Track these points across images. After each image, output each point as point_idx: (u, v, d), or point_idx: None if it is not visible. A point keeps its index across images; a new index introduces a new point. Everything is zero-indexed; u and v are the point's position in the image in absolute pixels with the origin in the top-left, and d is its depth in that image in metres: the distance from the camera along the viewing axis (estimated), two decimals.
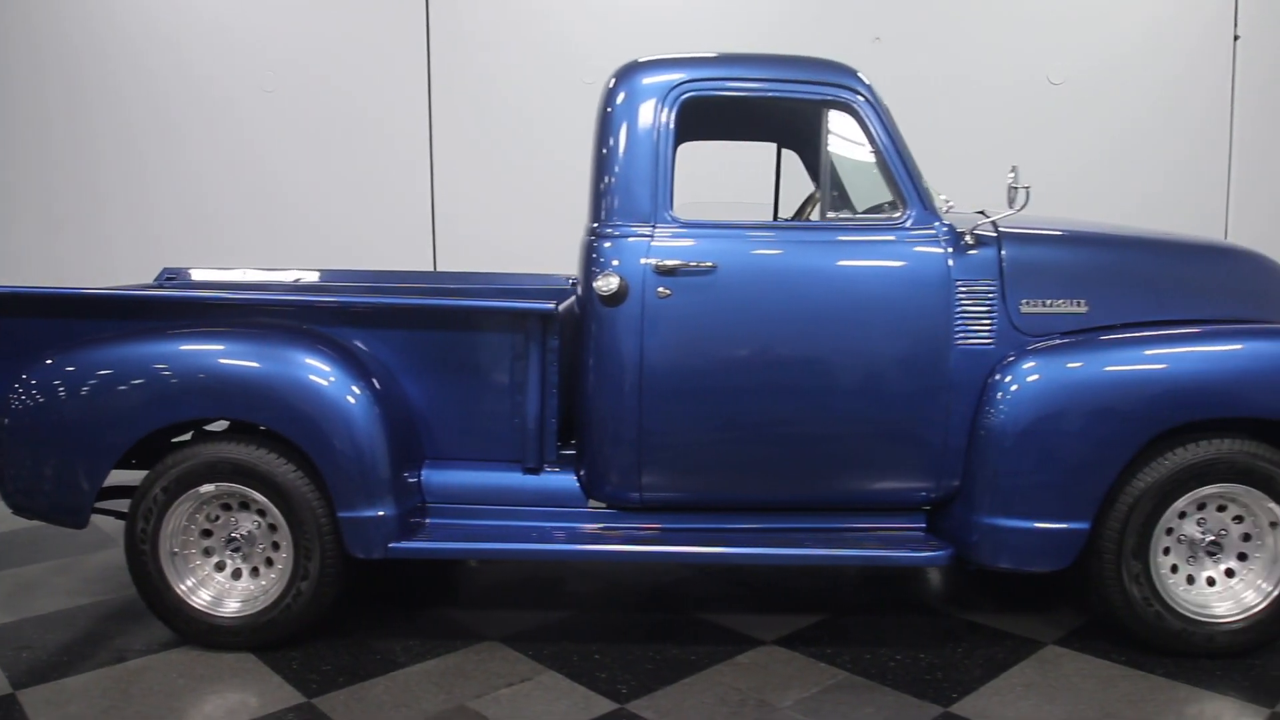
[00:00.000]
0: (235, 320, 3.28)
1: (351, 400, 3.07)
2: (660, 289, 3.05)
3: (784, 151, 4.24)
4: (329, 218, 7.19)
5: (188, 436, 3.26)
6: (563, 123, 6.73)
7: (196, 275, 4.45)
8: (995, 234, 3.16)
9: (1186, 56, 7.03)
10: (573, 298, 3.45)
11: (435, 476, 3.28)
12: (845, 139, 3.23)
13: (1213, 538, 3.08)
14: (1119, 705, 2.80)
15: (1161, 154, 7.12)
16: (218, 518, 3.20)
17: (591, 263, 3.13)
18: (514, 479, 3.27)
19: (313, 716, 2.77)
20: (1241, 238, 7.02)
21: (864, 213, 3.29)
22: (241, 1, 7.03)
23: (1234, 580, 3.10)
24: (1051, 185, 7.01)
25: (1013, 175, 3.06)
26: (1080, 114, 7.09)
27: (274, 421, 3.06)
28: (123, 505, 3.25)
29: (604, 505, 3.23)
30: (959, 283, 3.08)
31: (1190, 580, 3.12)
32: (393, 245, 7.22)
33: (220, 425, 3.26)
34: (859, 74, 3.18)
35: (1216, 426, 3.05)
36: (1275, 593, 3.04)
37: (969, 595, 3.70)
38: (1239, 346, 3.03)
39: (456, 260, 7.20)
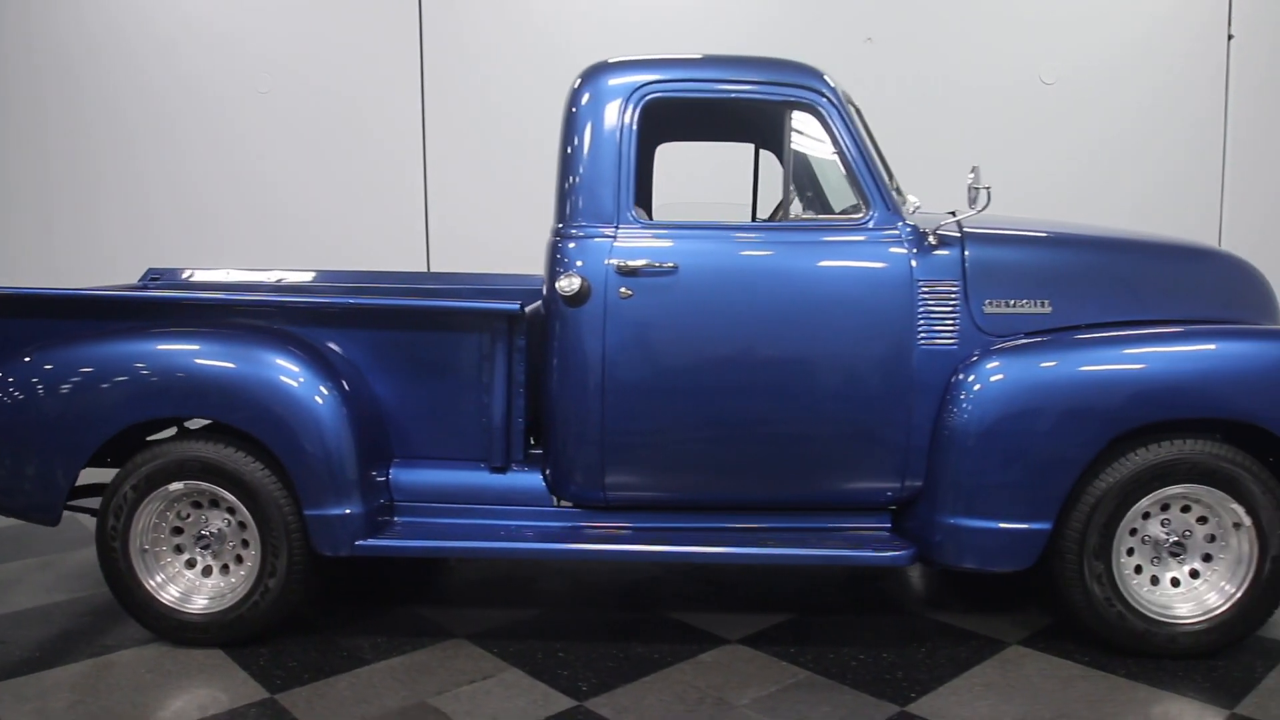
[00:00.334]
0: (206, 321, 3.31)
1: (318, 400, 3.10)
2: (622, 289, 3.07)
3: (762, 152, 4.25)
4: (323, 218, 7.24)
5: (168, 435, 3.30)
6: (555, 124, 6.74)
7: (187, 275, 4.50)
8: (959, 234, 3.16)
9: (1180, 56, 7.00)
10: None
11: (404, 475, 3.31)
12: (814, 140, 3.25)
13: (1176, 539, 3.08)
14: (1076, 705, 2.81)
15: (1155, 154, 7.09)
16: (188, 515, 3.24)
17: (555, 263, 3.15)
18: (481, 478, 3.29)
19: (274, 712, 2.80)
20: (1236, 238, 7.00)
21: (841, 213, 3.30)
22: (236, 3, 7.09)
23: (1198, 581, 3.10)
24: (1044, 186, 7.02)
25: (973, 176, 3.06)
26: (1073, 114, 7.07)
27: (239, 420, 3.10)
28: (96, 503, 3.28)
29: (570, 504, 3.25)
30: (921, 283, 3.09)
31: (1154, 581, 3.12)
32: (386, 246, 7.25)
33: (200, 424, 3.30)
34: (824, 75, 3.19)
35: (1183, 427, 3.05)
36: (1238, 595, 3.04)
37: (939, 595, 3.70)
38: (1201, 347, 3.02)
39: (450, 260, 7.24)
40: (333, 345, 3.31)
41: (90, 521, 3.88)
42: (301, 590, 3.20)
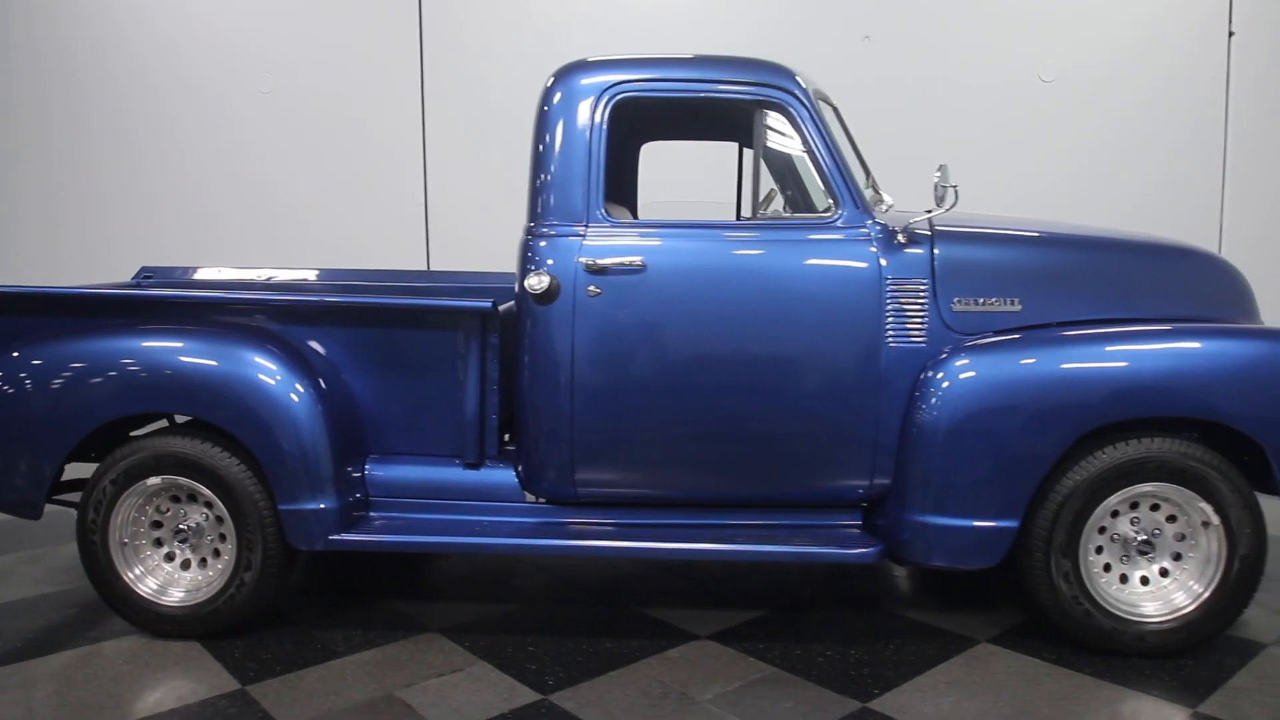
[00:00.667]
0: (186, 319, 3.36)
1: (293, 397, 3.14)
2: (591, 287, 3.09)
3: (746, 151, 4.26)
4: (324, 217, 7.30)
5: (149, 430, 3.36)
6: None
7: (189, 273, 4.55)
8: (929, 233, 3.17)
9: (1180, 53, 6.96)
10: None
11: (379, 471, 3.35)
12: (787, 139, 3.26)
13: (1145, 537, 3.08)
14: (1039, 703, 2.81)
15: (1156, 152, 7.05)
16: (167, 510, 3.29)
17: (526, 261, 3.18)
18: (455, 474, 3.33)
19: (244, 703, 2.85)
20: (1237, 236, 6.96)
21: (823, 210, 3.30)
22: (237, 4, 7.16)
23: (1167, 580, 3.09)
24: (1043, 184, 6.99)
25: (939, 174, 3.07)
26: (1072, 112, 7.04)
27: (214, 416, 3.14)
28: (80, 498, 3.34)
29: (542, 500, 3.28)
30: (890, 281, 3.10)
31: (1124, 579, 3.11)
32: (387, 244, 7.32)
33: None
34: (795, 75, 3.20)
35: (1155, 426, 3.05)
36: (1206, 595, 3.03)
37: (915, 593, 3.71)
38: (1169, 346, 3.02)
39: (450, 259, 7.29)
40: (313, 343, 3.35)
41: None
42: (276, 584, 3.24)
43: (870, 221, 3.14)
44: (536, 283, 3.09)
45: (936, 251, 3.13)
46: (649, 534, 3.20)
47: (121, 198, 7.25)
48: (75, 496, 3.37)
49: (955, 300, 3.12)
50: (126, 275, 4.83)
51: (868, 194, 3.39)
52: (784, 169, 3.43)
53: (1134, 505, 3.08)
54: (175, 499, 3.28)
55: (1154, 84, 6.98)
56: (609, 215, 3.17)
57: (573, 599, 3.64)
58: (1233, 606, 3.04)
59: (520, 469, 3.29)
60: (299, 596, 3.66)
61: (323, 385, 3.24)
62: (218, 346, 3.20)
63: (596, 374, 3.12)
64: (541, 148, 3.21)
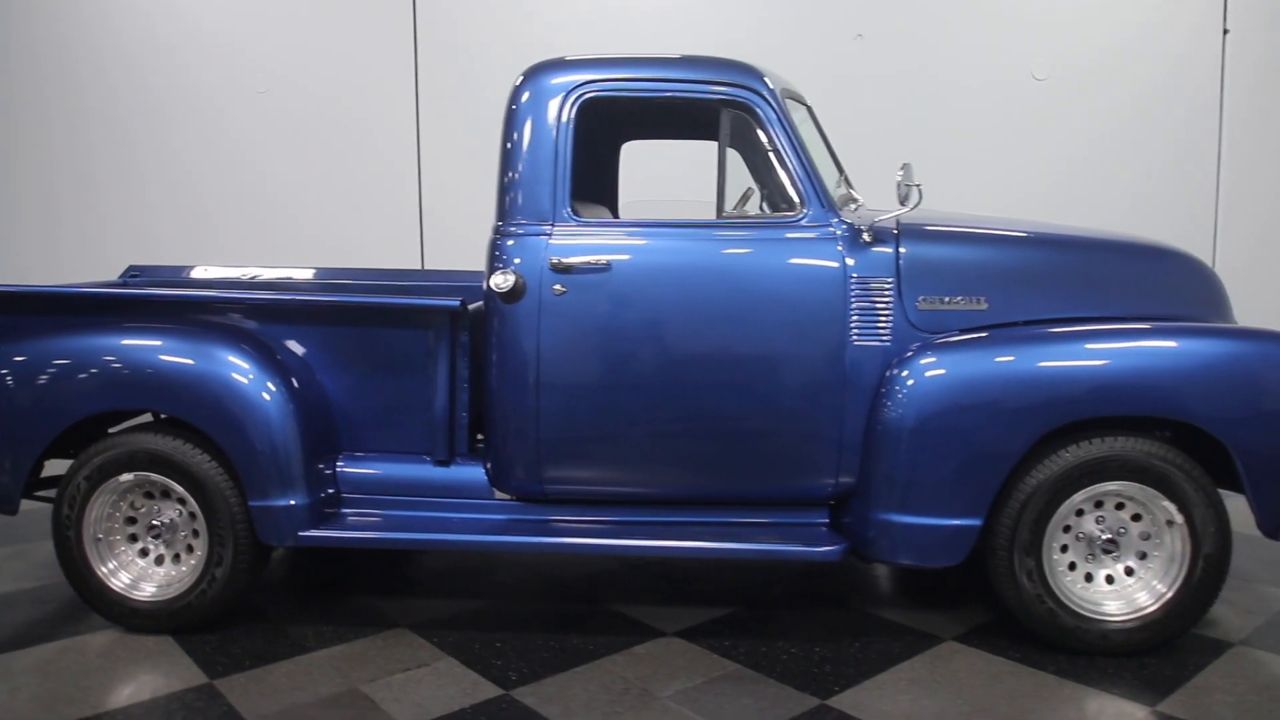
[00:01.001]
0: (162, 318, 3.40)
1: (263, 394, 3.17)
2: (556, 286, 3.11)
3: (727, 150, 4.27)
4: (320, 217, 7.36)
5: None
6: None
7: (187, 271, 4.58)
8: (895, 231, 3.17)
9: (1175, 50, 6.93)
10: None
11: (351, 468, 3.38)
12: (754, 138, 3.27)
13: (1109, 536, 3.07)
14: (997, 701, 2.82)
15: (1150, 149, 7.03)
16: (141, 506, 3.32)
17: (494, 260, 3.20)
18: (426, 471, 3.35)
19: (210, 697, 2.88)
20: (1232, 233, 6.93)
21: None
22: (233, 6, 7.22)
23: (1131, 579, 3.09)
24: (1037, 182, 6.98)
25: (902, 173, 3.07)
26: (1066, 110, 7.02)
27: (186, 414, 3.18)
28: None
29: (510, 497, 3.30)
30: (855, 280, 3.11)
31: (1089, 578, 3.11)
32: (382, 243, 7.36)
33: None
34: (762, 75, 3.21)
35: (1122, 424, 3.05)
36: (1169, 595, 3.03)
37: (887, 591, 3.71)
38: (1133, 345, 3.02)
39: (445, 258, 7.32)
40: (289, 342, 3.39)
41: None
42: (248, 580, 3.28)
43: (836, 220, 3.15)
44: (502, 281, 3.12)
45: (902, 250, 3.14)
46: (615, 531, 3.22)
47: (119, 198, 7.32)
48: (49, 492, 3.42)
49: (920, 299, 3.13)
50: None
51: (839, 193, 3.41)
52: (762, 168, 3.44)
53: (1099, 504, 3.08)
54: (149, 495, 3.32)
55: (1149, 82, 6.95)
56: (576, 214, 3.19)
57: (545, 595, 3.66)
58: (1197, 606, 3.03)
59: (489, 466, 3.31)
60: (274, 592, 3.69)
61: (295, 383, 3.27)
62: (190, 345, 3.24)
63: (562, 372, 3.14)
64: (509, 146, 3.23)
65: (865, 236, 3.13)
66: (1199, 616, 3.07)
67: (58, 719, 2.76)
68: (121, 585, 3.28)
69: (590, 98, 3.19)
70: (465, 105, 7.20)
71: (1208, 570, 3.01)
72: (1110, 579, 3.11)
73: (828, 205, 3.16)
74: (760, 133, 3.16)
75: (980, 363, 3.02)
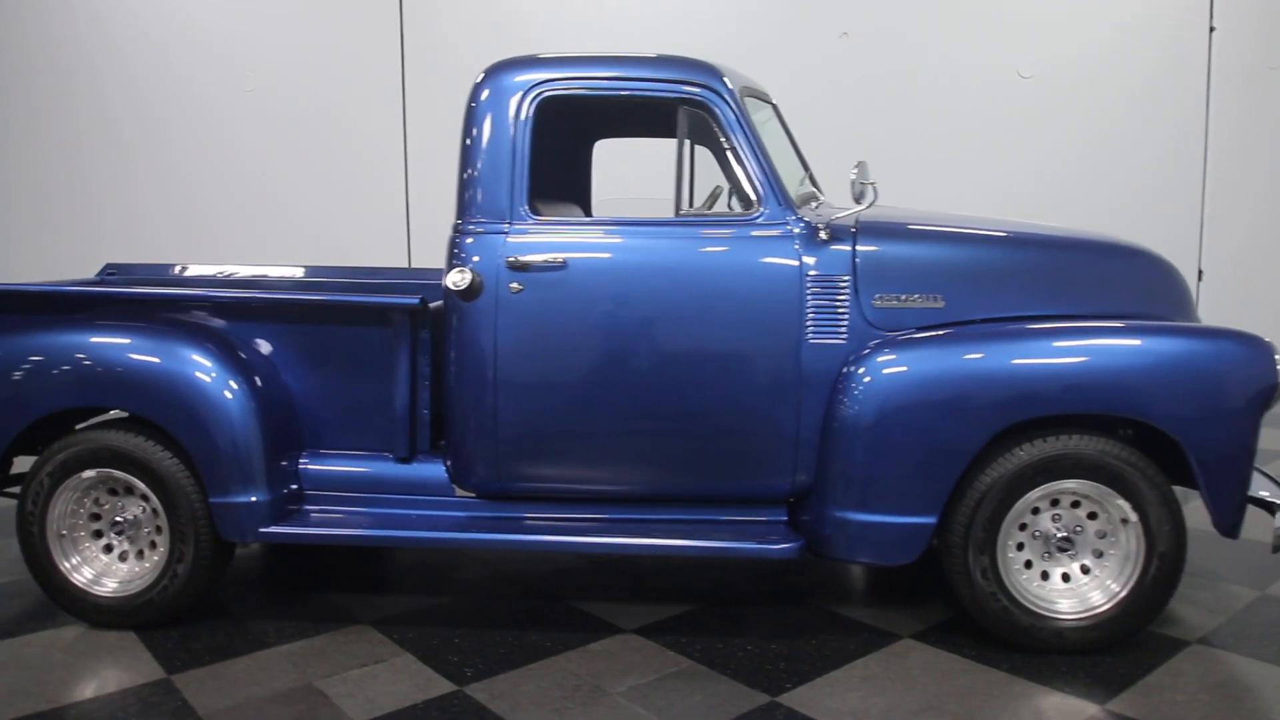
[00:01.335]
0: (129, 315, 3.43)
1: (225, 392, 3.19)
2: (513, 284, 3.13)
3: (697, 148, 4.27)
4: (308, 214, 7.39)
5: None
6: None
7: (179, 269, 4.59)
8: (853, 230, 3.18)
9: (1161, 48, 6.93)
10: None
11: (314, 465, 3.39)
12: (712, 136, 3.28)
13: (1065, 534, 3.08)
14: (946, 699, 2.82)
15: (1137, 146, 7.02)
16: (105, 502, 3.35)
17: (452, 258, 3.22)
18: (387, 468, 3.37)
19: (166, 692, 2.90)
20: (1219, 230, 6.91)
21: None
22: (222, 3, 7.24)
23: (1087, 578, 3.09)
24: (1023, 178, 6.97)
25: (857, 171, 3.08)
26: (1052, 107, 7.02)
27: (145, 410, 3.21)
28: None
29: (470, 494, 3.32)
30: (810, 278, 3.11)
31: (1045, 576, 3.12)
32: (370, 241, 7.39)
33: None
34: (720, 74, 3.21)
35: (1083, 423, 3.04)
36: (1123, 594, 3.03)
37: (849, 588, 3.72)
38: (1085, 343, 3.02)
39: (432, 256, 7.32)
40: (254, 340, 3.41)
41: None
42: (210, 576, 3.30)
43: (793, 218, 3.15)
44: (459, 279, 3.13)
45: (858, 248, 3.14)
46: (574, 528, 3.23)
47: (111, 195, 7.36)
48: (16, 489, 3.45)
49: (877, 297, 3.13)
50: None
51: (800, 192, 3.41)
52: (725, 166, 3.44)
53: (1055, 502, 3.09)
54: (113, 492, 3.34)
55: (1135, 79, 6.95)
56: (534, 212, 3.20)
57: (509, 592, 3.68)
58: (1151, 604, 3.03)
59: (449, 464, 3.33)
60: (240, 588, 3.71)
61: (257, 381, 3.29)
62: (152, 343, 3.26)
63: (519, 370, 3.15)
64: (469, 143, 3.24)
65: (822, 235, 3.14)
66: (1154, 615, 3.07)
67: (14, 713, 2.79)
68: (84, 581, 3.31)
69: (548, 96, 3.20)
70: (451, 103, 7.13)
71: (1163, 569, 3.01)
72: (1066, 577, 3.11)
73: (785, 203, 3.16)
74: (717, 131, 3.17)
75: (934, 361, 3.03)
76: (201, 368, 3.22)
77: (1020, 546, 3.10)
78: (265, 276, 4.61)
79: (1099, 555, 3.10)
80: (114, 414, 3.52)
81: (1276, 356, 3.01)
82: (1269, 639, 3.20)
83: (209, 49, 7.26)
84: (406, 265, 7.25)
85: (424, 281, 4.34)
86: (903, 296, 3.14)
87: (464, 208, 3.23)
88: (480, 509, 3.31)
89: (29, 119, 7.37)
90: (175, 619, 3.33)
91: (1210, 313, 6.92)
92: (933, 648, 3.15)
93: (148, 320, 3.38)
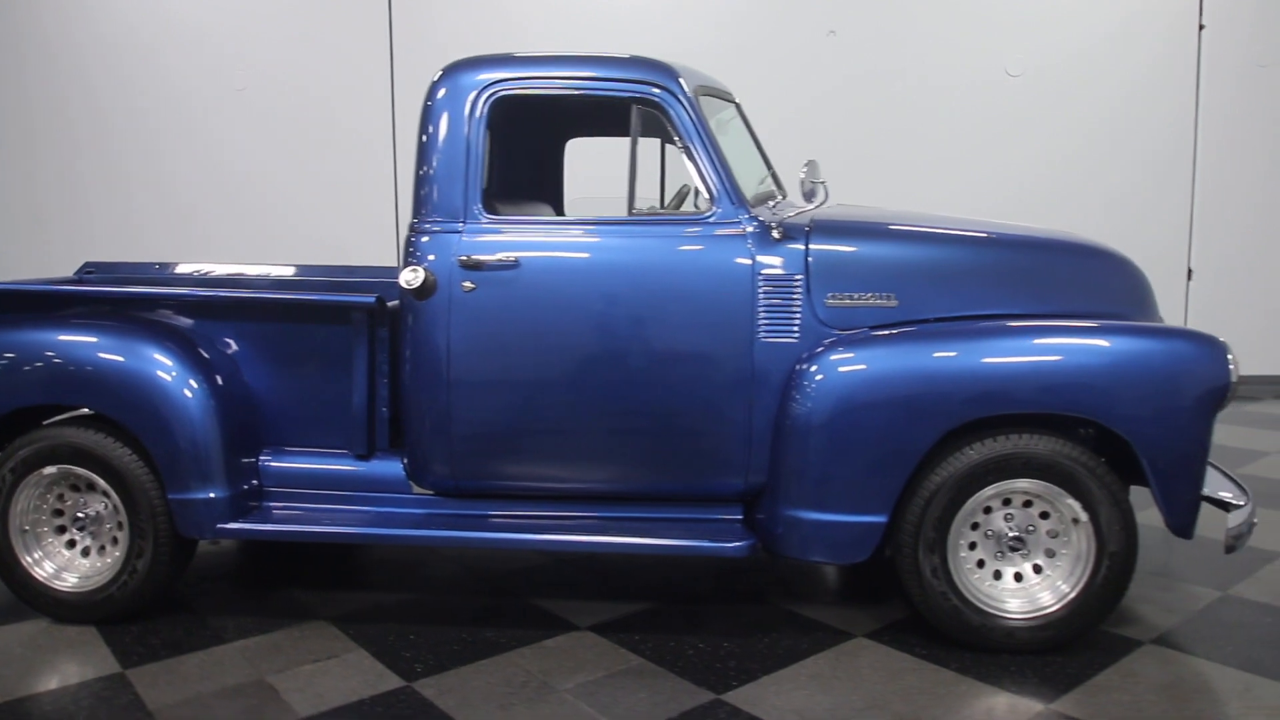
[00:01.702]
0: (94, 314, 3.46)
1: (183, 389, 3.22)
2: (465, 283, 3.14)
3: (668, 147, 4.28)
4: (299, 212, 7.42)
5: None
6: None
7: (182, 266, 4.60)
8: (806, 228, 3.18)
9: (1151, 46, 6.89)
10: None
11: (274, 463, 3.42)
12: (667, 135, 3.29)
13: (1016, 533, 3.07)
14: (891, 698, 2.82)
15: (1126, 143, 6.99)
16: (68, 499, 3.38)
17: (408, 256, 3.24)
18: (346, 466, 3.40)
19: (119, 686, 2.93)
20: (1208, 229, 6.87)
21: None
22: (212, 3, 7.28)
23: (1039, 577, 3.09)
24: (1011, 176, 6.94)
25: (806, 170, 3.08)
26: (1041, 105, 6.99)
27: (102, 406, 3.24)
28: None
29: (427, 492, 3.34)
30: (763, 276, 3.11)
31: (998, 575, 3.11)
32: (361, 240, 7.42)
33: None
34: (674, 73, 3.21)
35: (1041, 422, 3.04)
36: (1072, 595, 3.02)
37: (809, 587, 3.72)
38: (1034, 342, 3.02)
39: None
40: (217, 337, 3.44)
41: None
42: (169, 572, 3.33)
43: (746, 217, 3.16)
44: (412, 277, 3.15)
45: (811, 246, 3.14)
46: (529, 526, 3.24)
47: (105, 194, 7.40)
48: None
49: (829, 296, 3.13)
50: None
51: (759, 190, 3.42)
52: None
53: (1007, 502, 3.08)
54: (76, 488, 3.38)
55: (1124, 76, 6.92)
56: (489, 211, 3.22)
57: (470, 589, 3.70)
58: (1102, 604, 3.03)
59: (406, 462, 3.35)
60: (205, 584, 3.74)
61: (218, 380, 3.31)
62: (114, 341, 3.30)
63: (472, 368, 3.17)
64: (424, 140, 3.26)
65: (775, 234, 3.14)
66: (1106, 614, 3.06)
67: None
68: (45, 575, 3.34)
69: (502, 95, 3.21)
70: None
71: (1113, 569, 3.00)
72: (1019, 577, 3.11)
73: (738, 202, 3.16)
74: (670, 130, 3.17)
75: (884, 360, 3.03)
76: (162, 366, 3.25)
77: (973, 546, 3.10)
78: (242, 275, 4.64)
79: (1051, 555, 3.09)
80: (83, 411, 3.57)
81: (1229, 356, 2.99)
82: (1225, 639, 3.19)
83: (199, 48, 7.30)
84: (396, 264, 7.26)
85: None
86: (855, 295, 3.14)
87: (419, 206, 3.25)
88: (437, 506, 3.33)
89: (20, 117, 7.42)
90: (136, 614, 3.36)
91: (1199, 311, 6.90)
92: (885, 647, 3.15)
93: (112, 319, 3.41)
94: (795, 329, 3.12)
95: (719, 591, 3.65)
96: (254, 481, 3.38)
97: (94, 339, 3.30)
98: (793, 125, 6.69)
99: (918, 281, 3.17)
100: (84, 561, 3.38)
